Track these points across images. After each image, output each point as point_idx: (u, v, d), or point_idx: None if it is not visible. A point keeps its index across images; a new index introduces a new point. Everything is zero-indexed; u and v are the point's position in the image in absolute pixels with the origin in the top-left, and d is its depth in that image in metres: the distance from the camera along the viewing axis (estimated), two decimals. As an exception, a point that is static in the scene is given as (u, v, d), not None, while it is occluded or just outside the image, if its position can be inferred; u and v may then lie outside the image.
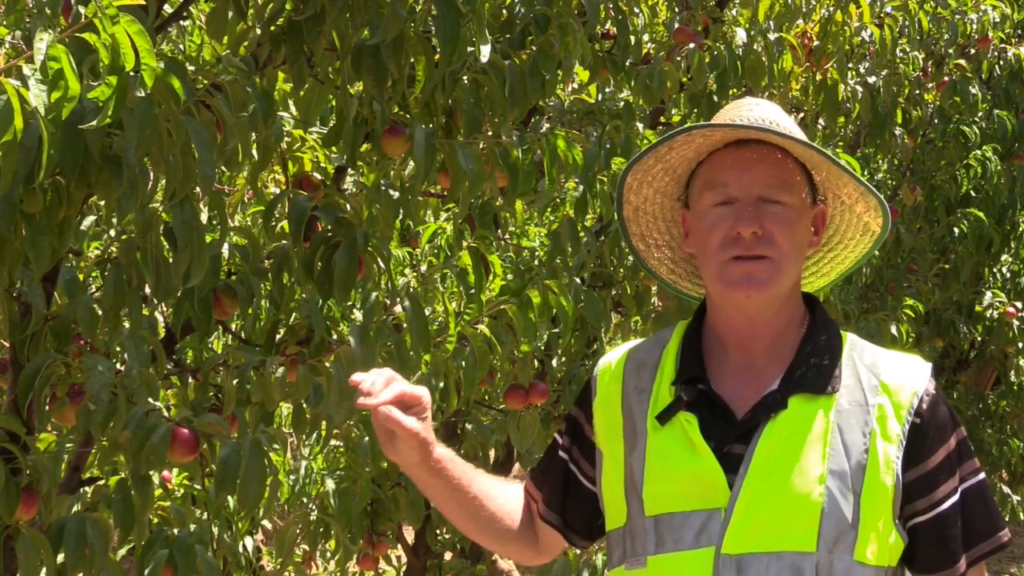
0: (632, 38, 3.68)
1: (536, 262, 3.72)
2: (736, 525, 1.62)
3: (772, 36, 4.15)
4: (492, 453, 4.49)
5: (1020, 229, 6.89)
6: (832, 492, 1.61)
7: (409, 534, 4.62)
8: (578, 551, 3.76)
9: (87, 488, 2.73)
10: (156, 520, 2.91)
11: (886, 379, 1.68)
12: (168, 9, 2.66)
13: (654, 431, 1.71)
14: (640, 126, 3.61)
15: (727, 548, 1.62)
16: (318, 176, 2.94)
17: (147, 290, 2.57)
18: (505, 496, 1.89)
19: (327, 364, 2.70)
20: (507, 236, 4.14)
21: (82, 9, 1.83)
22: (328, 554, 4.29)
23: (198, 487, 3.11)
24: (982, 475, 1.70)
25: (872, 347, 1.74)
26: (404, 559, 4.56)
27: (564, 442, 1.89)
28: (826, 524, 1.60)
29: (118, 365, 2.59)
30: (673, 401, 1.71)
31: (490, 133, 2.96)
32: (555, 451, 1.90)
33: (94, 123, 1.89)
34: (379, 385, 1.66)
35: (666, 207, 1.83)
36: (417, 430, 1.68)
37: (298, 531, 3.74)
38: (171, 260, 2.40)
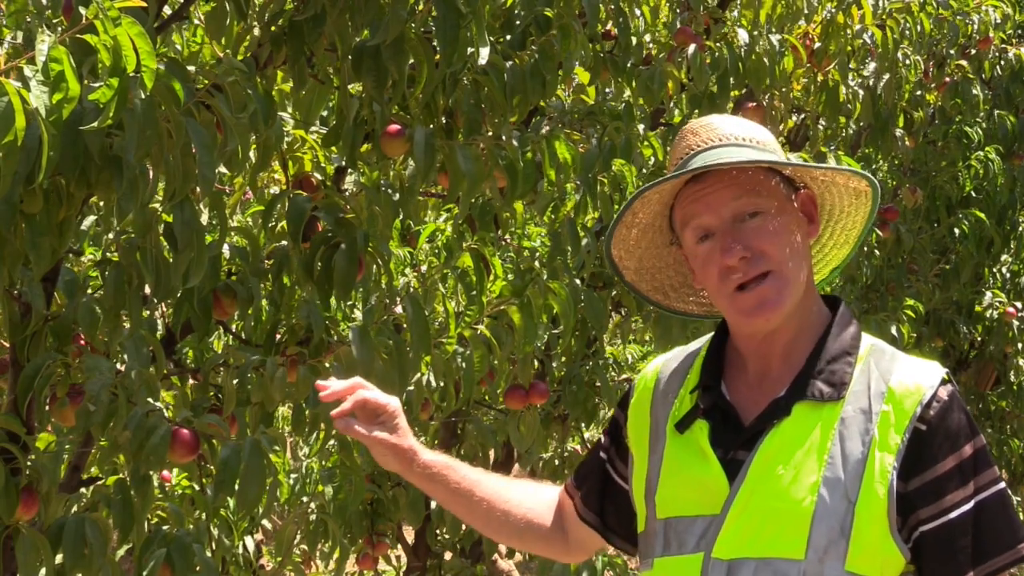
0: (633, 39, 3.68)
1: (536, 263, 3.72)
2: (728, 530, 1.62)
3: (774, 37, 4.15)
4: (492, 453, 4.49)
5: (1020, 229, 6.89)
6: (824, 500, 1.59)
7: (409, 534, 4.62)
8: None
9: (87, 488, 2.73)
10: (155, 520, 2.91)
11: (894, 385, 1.64)
12: (168, 10, 2.66)
13: (673, 437, 1.72)
14: (641, 127, 3.60)
15: (718, 552, 1.62)
16: (318, 176, 2.94)
17: (147, 290, 2.57)
18: (522, 495, 1.91)
19: (327, 364, 2.70)
20: (507, 237, 4.14)
21: (83, 10, 1.83)
22: (328, 553, 4.29)
23: (195, 487, 3.11)
24: (1001, 486, 1.64)
25: (893, 353, 1.70)
26: (404, 559, 4.56)
27: (605, 442, 1.90)
28: (816, 532, 1.58)
29: (118, 365, 2.59)
30: (691, 408, 1.72)
31: (490, 134, 2.96)
32: (596, 451, 1.92)
33: (94, 124, 1.89)
34: (340, 395, 1.72)
35: (664, 256, 1.83)
36: (383, 439, 1.73)
37: (298, 531, 3.74)
38: (171, 260, 2.40)
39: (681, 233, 1.72)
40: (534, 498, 1.93)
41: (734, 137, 1.71)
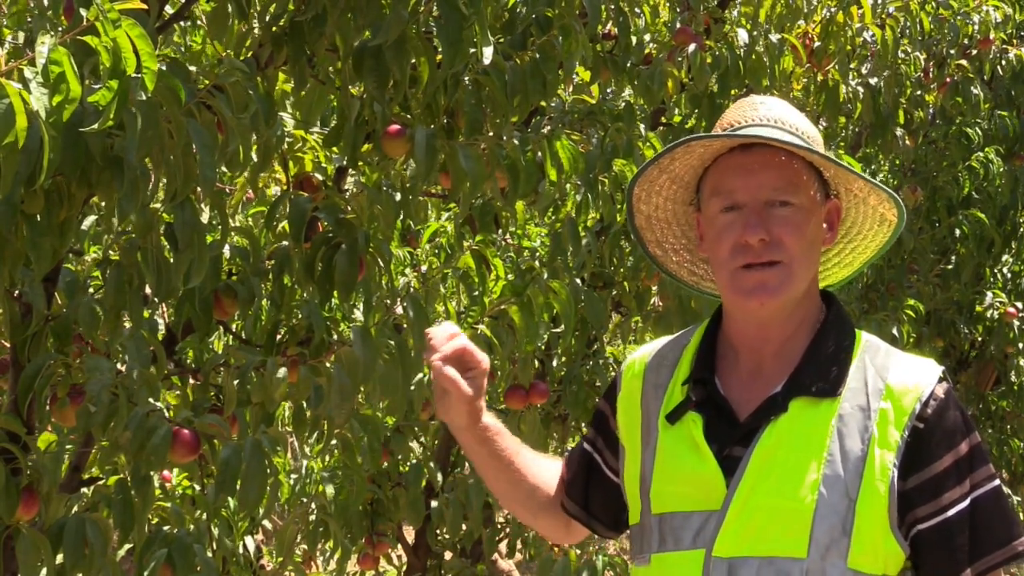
0: (633, 38, 3.68)
1: (537, 262, 3.72)
2: (728, 528, 1.62)
3: (774, 37, 4.15)
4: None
5: (1021, 230, 6.89)
6: (825, 498, 1.59)
7: (409, 534, 4.62)
8: (579, 551, 3.77)
9: (87, 488, 2.74)
10: (155, 520, 2.91)
11: (892, 383, 1.65)
12: (169, 10, 2.66)
13: (664, 430, 1.72)
14: (642, 127, 3.60)
15: (718, 551, 1.62)
16: (319, 177, 2.94)
17: (148, 290, 2.57)
18: (547, 474, 1.92)
19: (328, 365, 2.70)
20: (508, 236, 4.14)
21: (84, 12, 1.83)
22: (328, 553, 4.29)
23: (196, 487, 3.11)
24: (996, 482, 1.65)
25: (887, 349, 1.71)
26: (404, 559, 4.56)
27: (590, 433, 1.91)
28: (818, 530, 1.59)
29: (119, 365, 2.59)
30: (683, 401, 1.72)
31: (491, 134, 2.96)
32: (582, 442, 1.93)
33: (95, 126, 1.89)
34: (441, 339, 1.71)
35: (679, 212, 1.83)
36: (469, 393, 1.74)
37: (299, 531, 3.74)
38: (172, 261, 2.40)
39: (708, 199, 1.72)
40: (555, 480, 1.94)
41: (791, 126, 1.71)
